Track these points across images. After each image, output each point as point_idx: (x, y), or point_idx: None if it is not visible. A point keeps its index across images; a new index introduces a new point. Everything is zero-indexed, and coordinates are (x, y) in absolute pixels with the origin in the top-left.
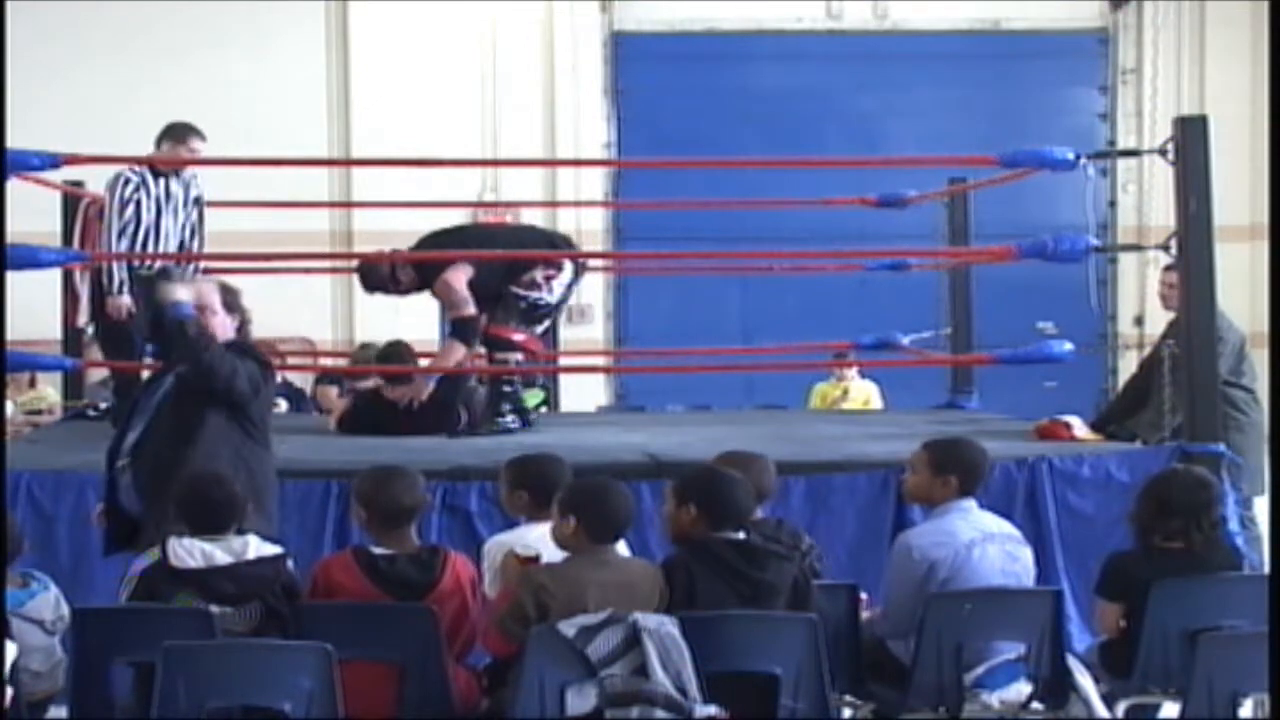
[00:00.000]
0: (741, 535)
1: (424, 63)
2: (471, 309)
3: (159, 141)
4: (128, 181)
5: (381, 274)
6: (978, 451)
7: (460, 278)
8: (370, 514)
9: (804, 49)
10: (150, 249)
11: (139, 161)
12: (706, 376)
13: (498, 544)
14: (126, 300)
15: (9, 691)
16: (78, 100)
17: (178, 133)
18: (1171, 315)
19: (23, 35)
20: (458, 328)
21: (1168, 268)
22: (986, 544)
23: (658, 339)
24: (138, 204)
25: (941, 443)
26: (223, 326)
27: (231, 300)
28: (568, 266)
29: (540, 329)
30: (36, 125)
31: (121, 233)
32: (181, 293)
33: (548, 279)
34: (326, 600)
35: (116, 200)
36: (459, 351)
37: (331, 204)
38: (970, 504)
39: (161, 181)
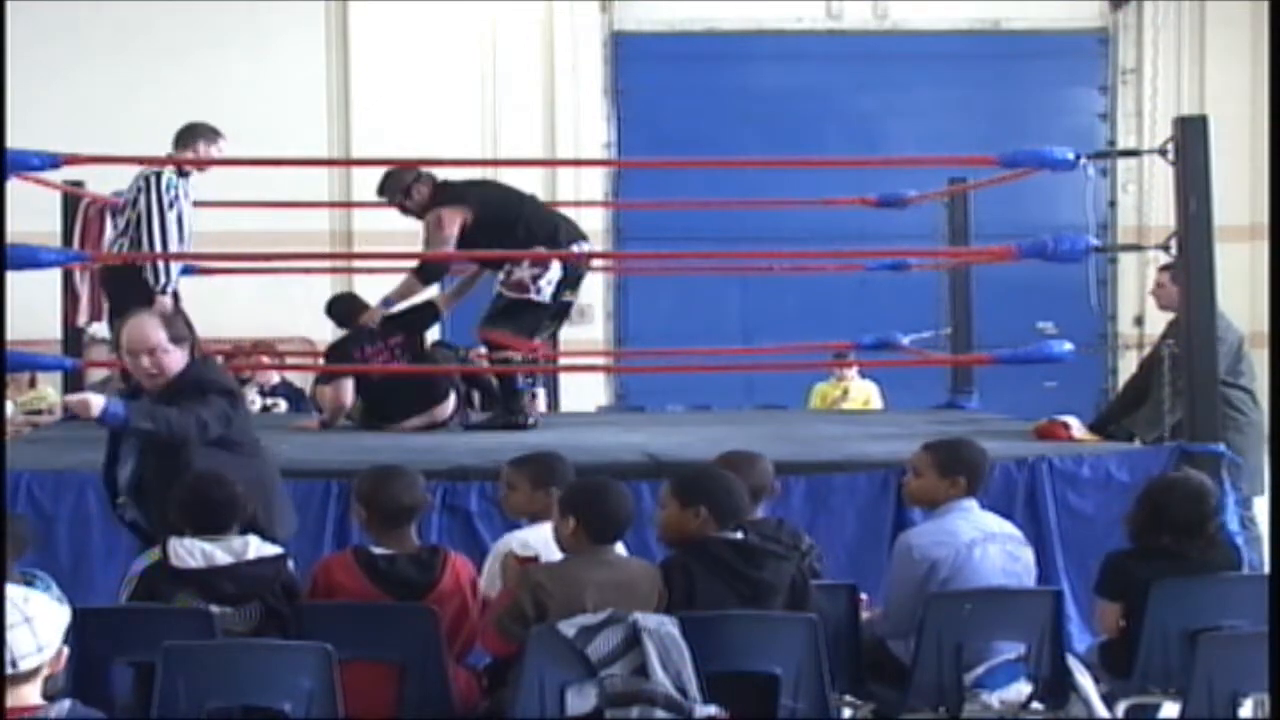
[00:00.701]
0: (739, 535)
1: (424, 63)
2: (444, 249)
3: (188, 142)
4: (170, 181)
5: (404, 181)
6: (979, 451)
7: (455, 220)
8: (370, 513)
9: (804, 49)
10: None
11: (141, 161)
12: (706, 376)
13: (506, 542)
14: (169, 301)
15: (65, 651)
16: (78, 100)
17: (209, 134)
18: (1170, 315)
19: (23, 35)
20: (424, 265)
21: (1162, 267)
22: (988, 544)
23: (658, 339)
24: (177, 204)
25: (945, 444)
26: (175, 361)
27: (176, 331)
28: (555, 264)
29: (539, 331)
30: (36, 125)
31: (169, 226)
32: (93, 404)
33: (535, 279)
34: (326, 600)
35: (164, 198)
36: (414, 286)
37: (331, 204)
38: (972, 504)
39: (182, 183)
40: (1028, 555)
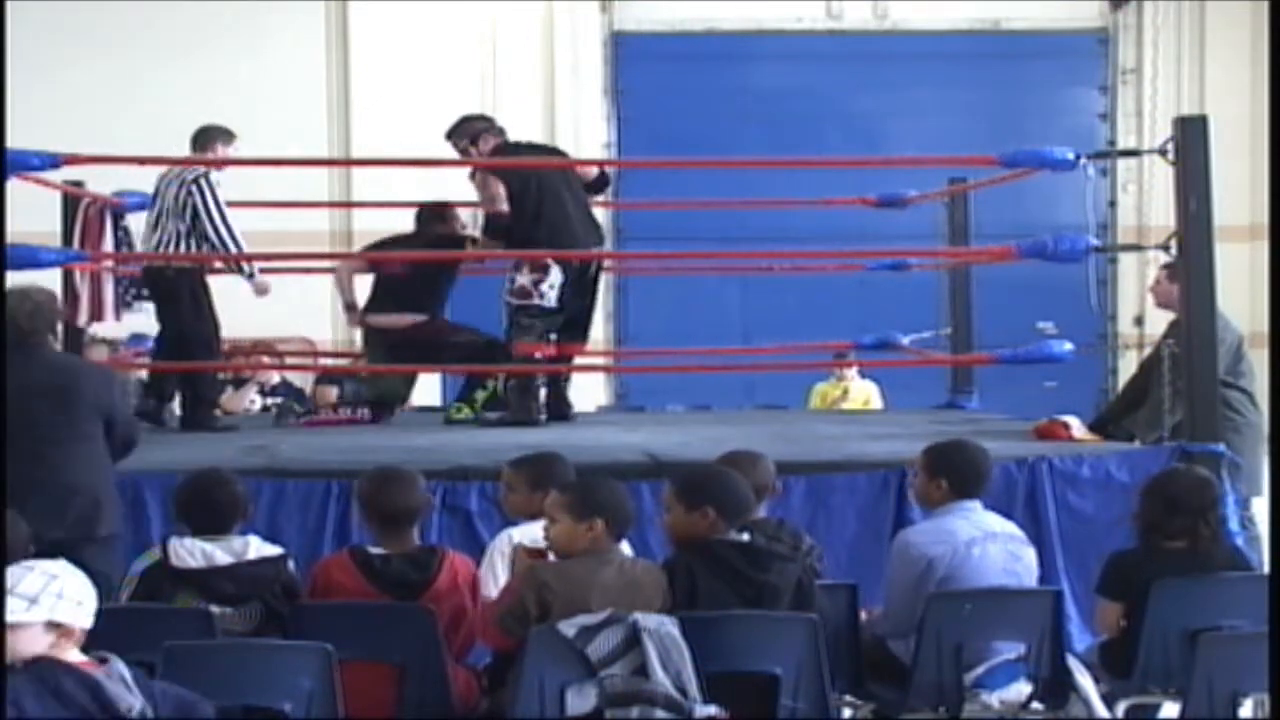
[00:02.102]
0: (745, 537)
1: (424, 63)
2: (501, 206)
3: (207, 144)
4: (215, 177)
5: (476, 128)
6: (972, 454)
7: (498, 183)
8: (370, 515)
9: (804, 49)
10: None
11: (142, 161)
12: (706, 376)
13: (503, 539)
14: (266, 280)
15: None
16: (77, 100)
17: (225, 135)
18: (1170, 315)
19: (22, 34)
20: (490, 222)
21: (1164, 265)
22: (987, 543)
23: (658, 339)
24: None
25: (936, 446)
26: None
27: None
28: (555, 269)
29: (550, 332)
30: (36, 125)
31: (228, 219)
32: None
33: (535, 284)
34: (325, 600)
35: (218, 196)
36: (492, 245)
37: (331, 204)
38: (973, 505)
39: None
40: (1029, 555)
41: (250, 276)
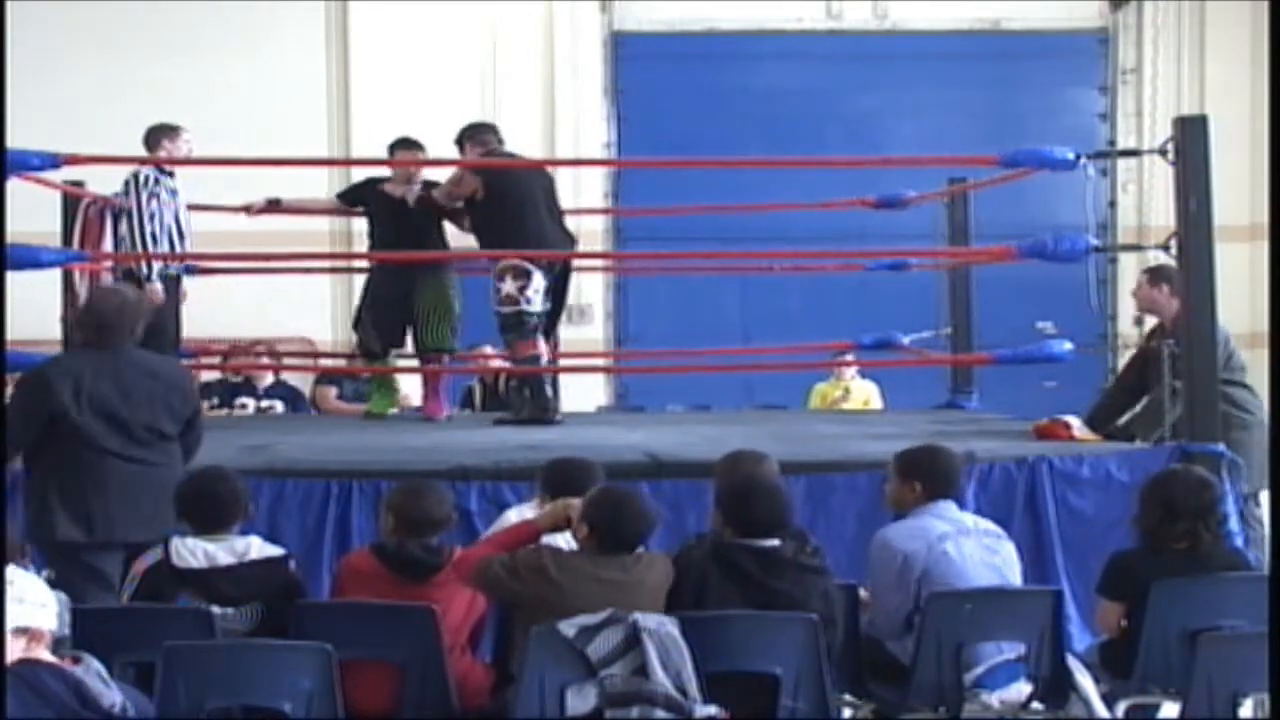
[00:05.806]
0: (773, 543)
1: (424, 63)
2: (454, 203)
3: (154, 143)
4: (146, 177)
5: (461, 136)
6: (944, 457)
7: (470, 187)
8: (396, 522)
9: (804, 49)
10: (177, 246)
11: (142, 161)
12: (706, 376)
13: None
14: (159, 287)
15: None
16: (77, 100)
17: (169, 131)
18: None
19: (21, 32)
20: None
21: (1146, 270)
22: (960, 537)
23: (658, 339)
24: (158, 197)
25: (908, 451)
26: None
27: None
28: (537, 274)
29: (538, 331)
30: (36, 125)
31: (150, 219)
32: None
33: (521, 290)
34: (347, 590)
35: (144, 194)
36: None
37: None
38: (946, 505)
39: (168, 180)
40: (1007, 549)
41: (147, 279)
